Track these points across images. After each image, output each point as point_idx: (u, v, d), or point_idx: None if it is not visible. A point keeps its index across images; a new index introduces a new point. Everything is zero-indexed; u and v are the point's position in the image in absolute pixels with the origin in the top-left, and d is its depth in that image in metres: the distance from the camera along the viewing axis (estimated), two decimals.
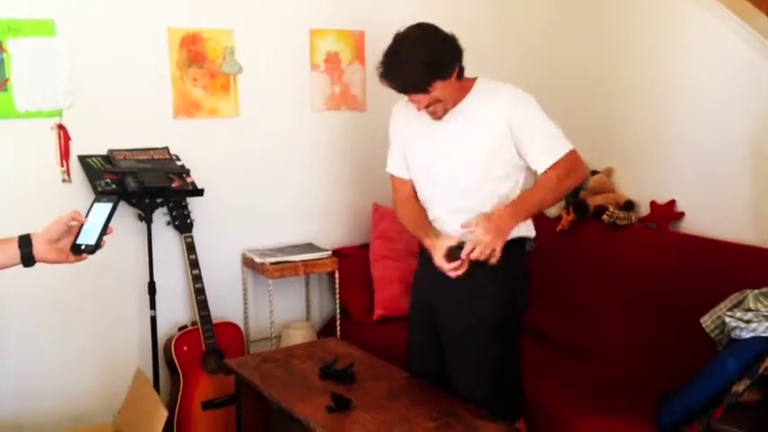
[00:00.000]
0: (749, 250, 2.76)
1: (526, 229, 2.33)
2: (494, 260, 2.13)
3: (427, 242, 2.32)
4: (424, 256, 2.42)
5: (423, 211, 2.43)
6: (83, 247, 1.60)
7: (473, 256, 2.13)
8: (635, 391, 2.61)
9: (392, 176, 2.51)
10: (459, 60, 2.22)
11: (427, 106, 2.22)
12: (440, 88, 2.17)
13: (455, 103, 2.26)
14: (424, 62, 2.13)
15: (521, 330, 2.41)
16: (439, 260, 2.23)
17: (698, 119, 3.10)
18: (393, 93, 2.28)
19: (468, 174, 2.27)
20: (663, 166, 3.26)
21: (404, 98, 2.32)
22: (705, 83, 3.07)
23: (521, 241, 2.32)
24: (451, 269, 2.20)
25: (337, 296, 3.38)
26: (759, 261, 2.68)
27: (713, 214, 3.03)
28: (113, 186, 2.82)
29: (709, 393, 2.22)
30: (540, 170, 2.23)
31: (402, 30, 2.23)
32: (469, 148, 2.26)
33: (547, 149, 2.22)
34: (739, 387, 2.13)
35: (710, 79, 3.05)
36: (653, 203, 3.24)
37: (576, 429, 2.42)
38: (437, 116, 2.27)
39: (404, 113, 2.39)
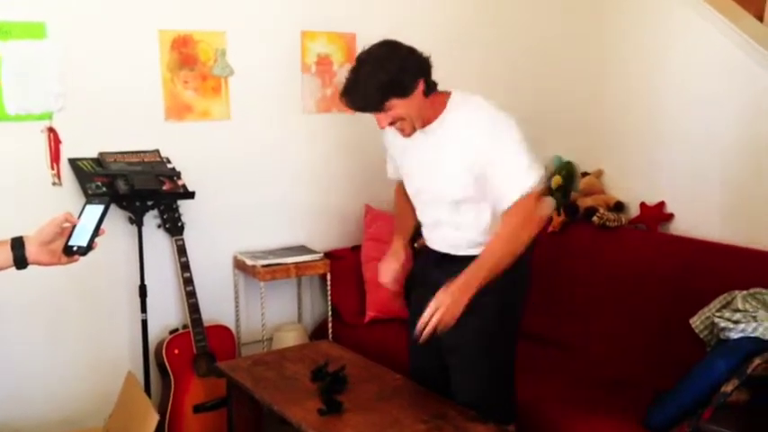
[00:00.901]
0: (737, 251, 2.78)
1: None
2: (446, 326, 2.07)
3: (395, 242, 2.48)
4: (424, 255, 2.45)
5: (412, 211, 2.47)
6: (75, 248, 1.60)
7: (427, 324, 2.06)
8: (625, 391, 2.63)
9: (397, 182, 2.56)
10: (425, 76, 2.17)
11: (391, 123, 2.21)
12: (399, 106, 2.15)
13: (426, 120, 2.23)
14: (379, 81, 2.10)
15: (517, 337, 2.39)
16: (383, 274, 2.46)
17: (686, 121, 3.12)
18: None
19: (449, 192, 2.25)
20: (652, 168, 3.28)
21: None
22: (694, 85, 3.09)
23: None
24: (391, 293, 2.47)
25: (329, 298, 3.38)
26: (747, 262, 2.70)
27: (702, 216, 3.05)
28: (104, 189, 2.81)
29: (698, 394, 2.24)
30: (501, 209, 2.15)
31: (366, 48, 2.20)
32: (446, 169, 2.24)
33: (509, 187, 2.11)
34: (728, 387, 2.15)
35: (699, 81, 3.07)
36: (642, 205, 3.25)
37: (566, 429, 2.44)
38: (405, 134, 2.25)
39: None
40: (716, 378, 2.21)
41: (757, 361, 2.15)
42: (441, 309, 2.06)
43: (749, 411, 2.15)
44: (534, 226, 2.15)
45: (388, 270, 2.46)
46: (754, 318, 2.31)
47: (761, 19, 3.26)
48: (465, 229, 2.28)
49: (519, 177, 2.11)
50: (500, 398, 2.34)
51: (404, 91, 2.14)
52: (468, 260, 2.19)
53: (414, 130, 2.24)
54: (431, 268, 2.39)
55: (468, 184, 2.20)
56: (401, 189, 2.52)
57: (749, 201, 2.90)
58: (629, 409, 2.46)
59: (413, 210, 2.46)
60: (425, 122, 2.24)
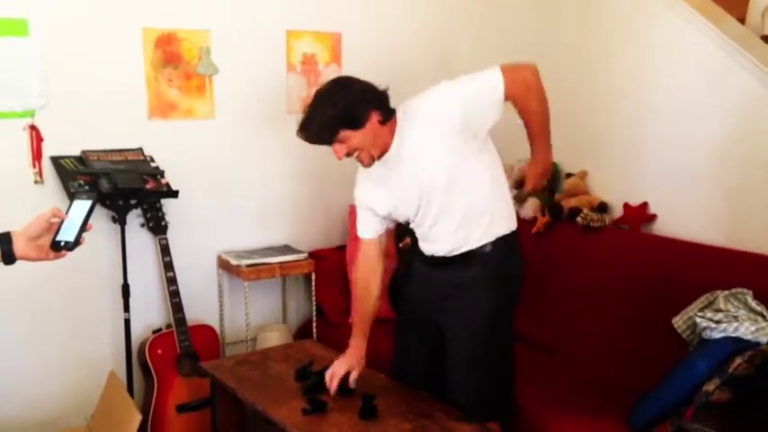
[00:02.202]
0: (719, 252, 2.80)
1: (508, 223, 2.35)
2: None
3: (355, 340, 2.46)
4: (419, 255, 2.43)
5: (371, 299, 2.47)
6: (62, 243, 1.60)
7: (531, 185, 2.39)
8: (608, 391, 2.64)
9: (360, 239, 2.50)
10: (380, 107, 2.21)
11: (348, 154, 2.26)
12: (353, 137, 2.20)
13: (384, 146, 2.25)
14: (328, 115, 2.18)
15: (512, 329, 2.41)
16: (333, 379, 2.36)
17: (669, 122, 3.14)
18: None
19: (440, 178, 2.25)
20: (636, 169, 3.30)
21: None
22: (677, 86, 3.11)
23: (512, 236, 2.35)
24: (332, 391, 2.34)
25: (313, 298, 3.37)
26: (729, 262, 2.72)
27: (685, 216, 3.07)
28: (86, 188, 2.79)
29: (680, 393, 2.25)
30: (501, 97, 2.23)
31: (323, 83, 2.30)
32: (427, 171, 2.25)
33: (492, 90, 2.21)
34: (709, 387, 2.16)
35: (682, 83, 3.09)
36: (626, 205, 3.27)
37: (547, 429, 2.44)
38: (364, 164, 2.30)
39: (364, 173, 2.41)
40: (697, 378, 2.23)
41: (738, 360, 2.17)
42: (545, 171, 2.39)
43: (731, 410, 2.16)
44: (532, 80, 2.32)
45: (339, 373, 2.37)
46: (736, 318, 2.33)
47: (743, 21, 3.29)
48: (465, 225, 2.28)
49: (482, 76, 2.24)
50: (495, 390, 2.35)
51: (354, 123, 2.19)
52: (454, 261, 2.29)
53: (372, 159, 2.28)
54: (427, 269, 2.40)
55: (456, 160, 2.22)
56: (364, 266, 2.47)
57: (731, 202, 2.93)
58: (612, 409, 2.47)
59: (374, 298, 2.46)
60: (384, 149, 2.26)
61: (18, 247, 1.58)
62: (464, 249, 2.30)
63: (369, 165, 2.31)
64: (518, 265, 2.41)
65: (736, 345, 2.25)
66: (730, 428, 2.15)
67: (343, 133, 2.20)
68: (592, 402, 2.56)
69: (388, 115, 2.24)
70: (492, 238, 2.30)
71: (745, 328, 2.27)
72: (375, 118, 2.21)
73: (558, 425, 2.45)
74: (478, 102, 2.21)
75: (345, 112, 2.18)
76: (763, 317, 2.34)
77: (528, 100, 2.27)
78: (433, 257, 2.37)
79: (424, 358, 2.46)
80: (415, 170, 2.26)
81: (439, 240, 2.33)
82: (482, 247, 2.29)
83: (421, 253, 2.42)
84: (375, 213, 2.42)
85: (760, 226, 2.80)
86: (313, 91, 3.32)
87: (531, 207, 3.45)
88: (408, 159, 2.26)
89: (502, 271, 2.32)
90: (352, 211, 3.52)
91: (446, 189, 2.24)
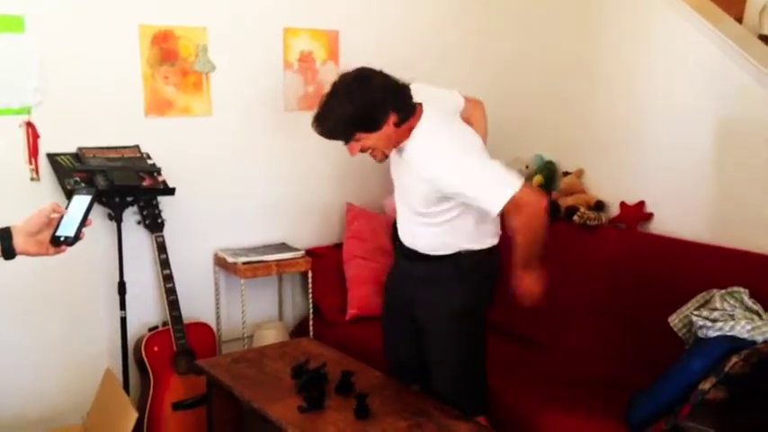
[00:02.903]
0: (716, 251, 2.81)
1: (492, 239, 2.40)
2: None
3: None
4: (397, 252, 2.50)
5: None
6: (62, 238, 1.60)
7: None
8: (605, 389, 2.65)
9: None
10: (398, 108, 2.18)
11: (362, 151, 2.27)
12: (368, 139, 2.21)
13: (397, 143, 2.26)
14: (346, 115, 2.15)
15: (485, 326, 2.45)
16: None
17: (667, 121, 3.14)
18: None
19: (415, 205, 2.32)
20: (632, 168, 3.30)
21: None
22: (674, 86, 3.12)
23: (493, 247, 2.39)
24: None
25: (310, 296, 3.37)
26: (725, 261, 2.73)
27: (681, 215, 3.08)
28: (82, 185, 2.78)
29: (676, 392, 2.26)
30: (494, 214, 2.16)
31: (342, 73, 2.24)
32: (410, 190, 2.32)
33: (490, 198, 2.11)
34: (705, 385, 2.17)
35: (680, 82, 3.10)
36: (623, 204, 3.28)
37: (544, 428, 2.45)
38: (377, 159, 2.32)
39: None
40: (693, 376, 2.24)
41: (735, 359, 2.18)
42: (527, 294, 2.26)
43: (727, 409, 2.17)
44: (536, 218, 2.15)
45: None
46: (732, 316, 2.33)
47: (740, 21, 3.30)
48: (426, 236, 2.35)
49: (492, 192, 2.10)
50: (467, 385, 2.39)
51: (371, 126, 2.18)
52: (429, 259, 2.32)
53: (385, 156, 2.31)
54: (407, 262, 2.47)
55: (430, 203, 2.26)
56: None
57: (727, 201, 2.93)
58: (608, 407, 2.47)
59: None
60: (397, 145, 2.28)
61: (18, 242, 1.59)
62: (441, 252, 2.34)
63: (381, 161, 2.33)
64: (493, 267, 2.42)
65: (732, 343, 2.25)
66: (726, 427, 2.15)
67: (359, 135, 2.20)
68: (588, 400, 2.56)
69: (406, 116, 2.21)
70: (469, 249, 2.33)
71: (741, 327, 2.28)
72: (392, 120, 2.18)
73: (554, 423, 2.45)
74: (465, 197, 2.17)
75: (363, 111, 2.15)
76: (759, 315, 2.34)
77: (518, 233, 2.16)
78: (413, 252, 2.41)
79: (413, 354, 2.47)
80: (414, 172, 2.28)
81: (424, 237, 2.37)
82: (458, 251, 2.33)
83: (401, 246, 2.46)
84: None
85: (756, 225, 2.81)
86: (310, 89, 3.41)
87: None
88: (408, 160, 2.28)
89: (474, 269, 2.34)
90: (349, 209, 3.54)
91: (422, 212, 2.30)
